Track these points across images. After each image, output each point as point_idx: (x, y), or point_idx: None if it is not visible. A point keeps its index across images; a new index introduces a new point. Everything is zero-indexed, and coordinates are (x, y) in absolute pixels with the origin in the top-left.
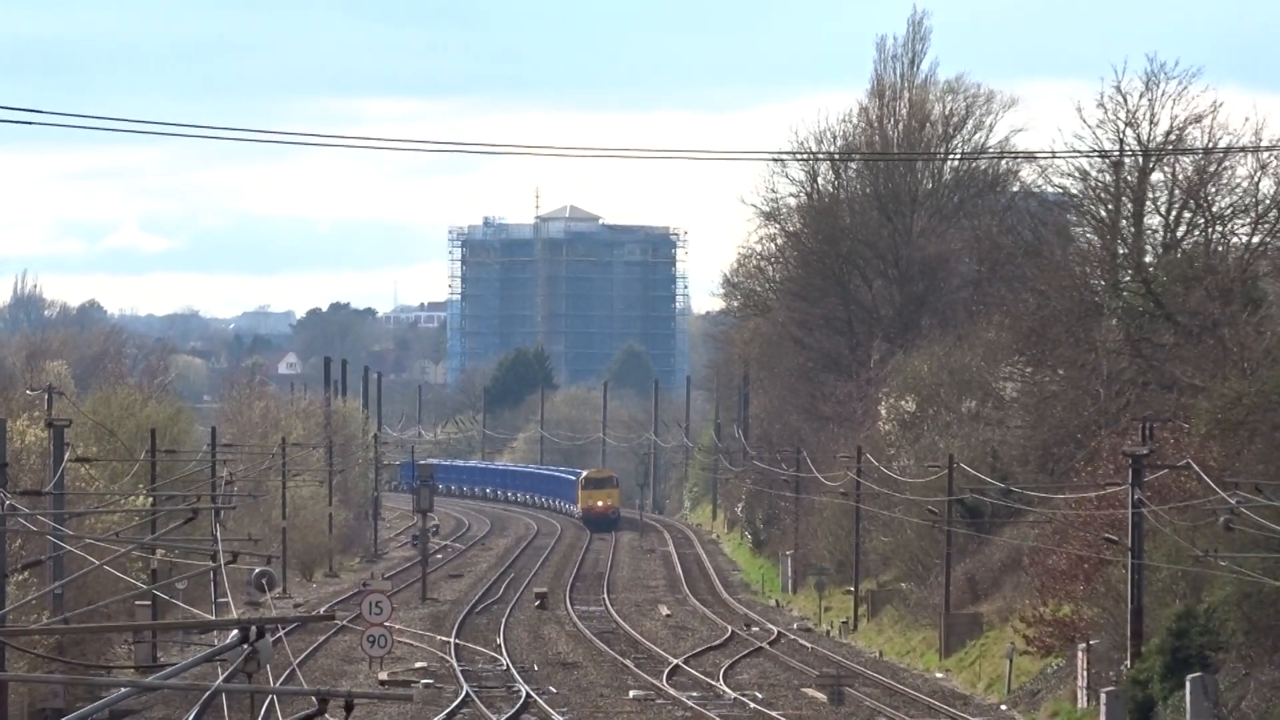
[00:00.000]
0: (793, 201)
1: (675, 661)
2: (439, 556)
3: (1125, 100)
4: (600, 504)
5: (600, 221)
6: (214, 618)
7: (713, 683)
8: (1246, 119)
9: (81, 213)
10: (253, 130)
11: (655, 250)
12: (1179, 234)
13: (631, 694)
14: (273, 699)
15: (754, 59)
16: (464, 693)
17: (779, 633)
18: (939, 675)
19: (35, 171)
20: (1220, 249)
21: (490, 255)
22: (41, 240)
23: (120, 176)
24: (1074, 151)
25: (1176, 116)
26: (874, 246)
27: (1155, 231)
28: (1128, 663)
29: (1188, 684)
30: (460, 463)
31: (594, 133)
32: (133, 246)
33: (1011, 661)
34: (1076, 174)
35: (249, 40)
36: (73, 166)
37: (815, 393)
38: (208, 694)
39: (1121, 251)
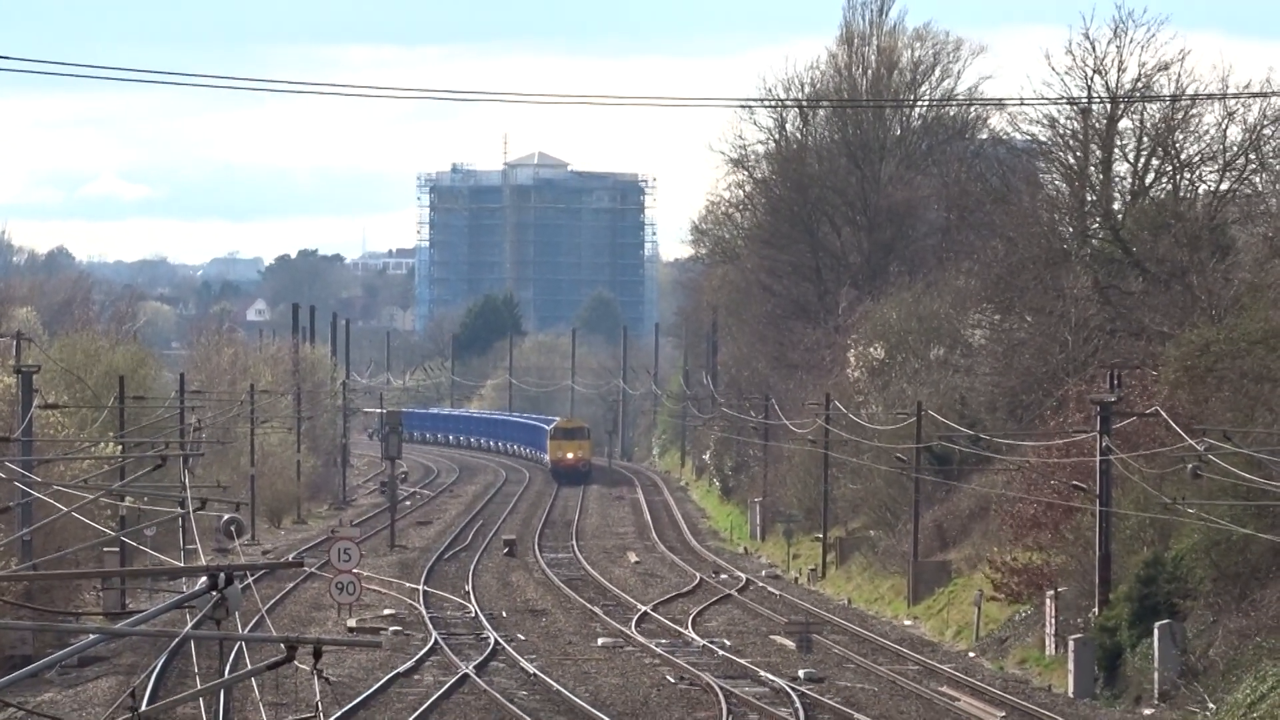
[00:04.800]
0: (761, 149)
1: (643, 608)
2: (407, 503)
3: (1094, 47)
4: (570, 456)
5: (569, 168)
6: (182, 565)
7: (681, 630)
8: (1214, 66)
9: (61, 161)
10: (221, 77)
11: (624, 197)
12: (1147, 181)
13: (600, 641)
14: (241, 646)
15: (728, 5)
16: (432, 640)
17: (747, 580)
18: (907, 623)
19: (13, 119)
20: (1188, 196)
21: (459, 202)
22: (20, 188)
23: (101, 124)
24: (1042, 98)
25: (1145, 64)
26: (842, 194)
27: (1123, 179)
28: (1095, 610)
29: (1155, 631)
30: (429, 409)
31: (569, 79)
32: (111, 195)
33: (979, 609)
34: (1045, 121)
35: None
36: (52, 114)
37: (784, 340)
38: (176, 641)
39: (1090, 199)
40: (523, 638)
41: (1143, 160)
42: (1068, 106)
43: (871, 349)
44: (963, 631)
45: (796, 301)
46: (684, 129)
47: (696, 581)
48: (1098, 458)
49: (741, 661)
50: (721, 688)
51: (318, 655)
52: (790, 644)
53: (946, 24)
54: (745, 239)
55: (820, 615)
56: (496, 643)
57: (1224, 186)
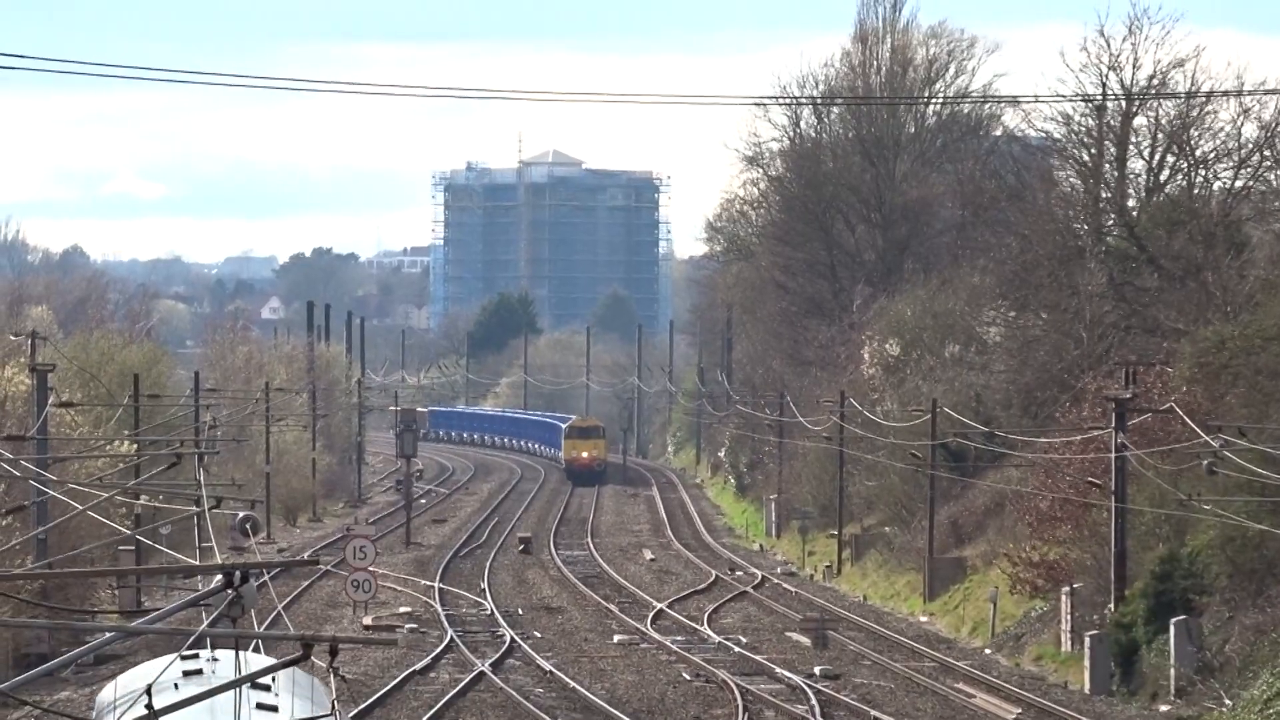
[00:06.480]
0: (775, 146)
1: (659, 606)
2: (423, 501)
3: (1108, 44)
4: (585, 455)
5: (583, 166)
6: (198, 563)
7: (697, 627)
8: (1229, 63)
9: (78, 159)
10: (237, 75)
11: (638, 195)
12: (1162, 178)
13: (616, 638)
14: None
15: (743, 3)
16: (448, 637)
17: (763, 577)
18: (923, 619)
19: (31, 118)
20: (1203, 193)
21: (473, 200)
22: (39, 186)
23: (117, 122)
24: (1057, 96)
25: (1159, 60)
26: (857, 191)
27: (1138, 175)
28: (1111, 606)
29: (1171, 627)
30: (454, 408)
31: (584, 77)
32: (127, 194)
33: (995, 605)
34: (1059, 118)
35: None
36: (69, 113)
37: (798, 337)
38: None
39: (1104, 195)
40: (539, 635)
41: (1157, 157)
42: (1082, 103)
43: (886, 346)
44: (978, 628)
45: (811, 299)
46: (699, 127)
47: (712, 579)
48: (1113, 454)
49: (757, 658)
50: (737, 685)
51: (334, 653)
52: (806, 641)
53: (960, 21)
54: (760, 236)
55: (836, 612)
56: (512, 640)
57: (1239, 183)
